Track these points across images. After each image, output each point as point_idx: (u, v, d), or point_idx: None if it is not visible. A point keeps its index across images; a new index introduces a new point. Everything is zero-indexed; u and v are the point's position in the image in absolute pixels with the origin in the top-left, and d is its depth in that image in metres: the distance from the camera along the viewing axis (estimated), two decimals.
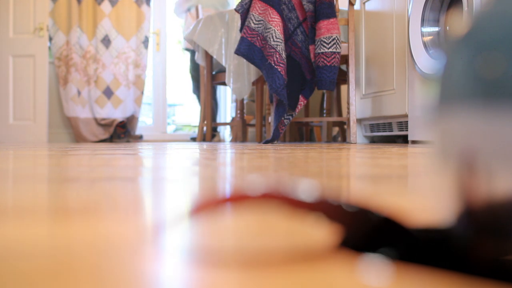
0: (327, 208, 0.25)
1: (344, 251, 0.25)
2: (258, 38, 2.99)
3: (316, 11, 3.01)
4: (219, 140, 4.75)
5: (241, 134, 3.76)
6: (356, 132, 3.12)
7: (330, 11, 2.98)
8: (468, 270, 0.22)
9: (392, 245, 0.24)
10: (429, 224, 0.26)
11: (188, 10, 4.50)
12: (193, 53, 4.54)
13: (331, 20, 2.98)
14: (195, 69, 4.55)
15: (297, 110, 3.04)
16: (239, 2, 3.06)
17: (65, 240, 0.29)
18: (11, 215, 0.37)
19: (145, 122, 5.32)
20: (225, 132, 5.17)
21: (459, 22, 0.23)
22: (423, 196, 0.48)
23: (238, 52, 2.98)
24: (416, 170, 0.83)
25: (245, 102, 4.29)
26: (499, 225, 0.21)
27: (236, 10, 3.07)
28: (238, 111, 3.76)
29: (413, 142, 2.86)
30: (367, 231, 0.24)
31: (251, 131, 4.93)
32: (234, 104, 4.30)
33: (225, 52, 3.49)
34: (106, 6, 4.89)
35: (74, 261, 0.24)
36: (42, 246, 0.27)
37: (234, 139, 3.89)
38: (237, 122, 3.77)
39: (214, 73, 3.80)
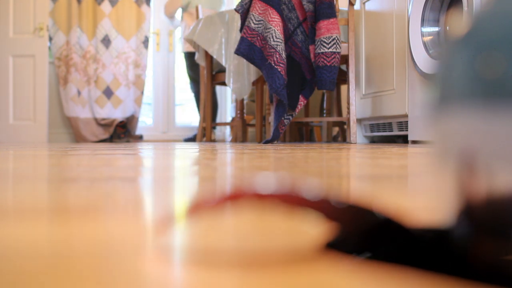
0: (326, 208, 0.25)
1: (341, 251, 0.25)
2: (258, 38, 2.99)
3: (316, 11, 3.01)
4: (215, 140, 4.76)
5: (241, 134, 3.76)
6: (356, 132, 3.12)
7: (330, 11, 2.98)
8: (467, 272, 0.22)
9: (391, 244, 0.24)
10: (429, 224, 0.26)
11: (184, 9, 4.50)
12: (188, 55, 4.55)
13: (331, 20, 2.98)
14: (192, 70, 4.56)
15: (297, 110, 3.04)
16: (239, 2, 3.06)
17: (65, 240, 0.29)
18: (11, 215, 0.37)
19: (145, 122, 5.32)
20: (225, 132, 5.17)
21: (459, 22, 0.23)
22: (422, 196, 0.48)
23: (238, 52, 2.98)
24: (416, 170, 0.83)
25: (245, 102, 4.29)
26: (499, 225, 0.21)
27: (236, 10, 3.07)
28: (238, 111, 3.76)
29: (413, 142, 2.87)
30: (365, 231, 0.24)
31: (251, 131, 4.93)
32: (234, 104, 4.30)
33: (225, 52, 3.49)
34: (106, 6, 4.89)
35: (74, 261, 0.24)
36: (42, 246, 0.27)
37: (234, 139, 3.89)
38: (237, 122, 3.77)
39: (214, 73, 3.81)
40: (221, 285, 0.20)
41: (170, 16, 4.59)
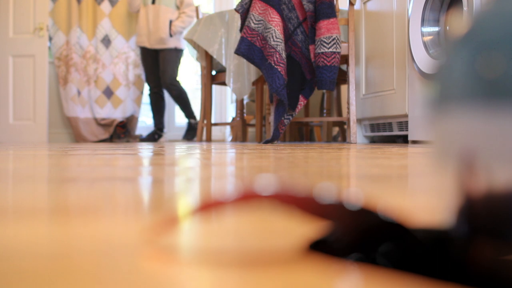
0: (323, 208, 0.25)
1: (335, 251, 0.25)
2: (258, 38, 2.98)
3: (316, 11, 3.01)
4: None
5: (241, 134, 3.76)
6: (356, 132, 3.12)
7: (330, 11, 2.98)
8: (466, 273, 0.22)
9: (389, 244, 0.24)
10: (428, 224, 0.26)
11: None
12: (144, 51, 4.52)
13: (331, 20, 2.98)
14: (147, 70, 4.53)
15: (297, 110, 3.04)
16: (239, 2, 3.06)
17: (65, 240, 0.29)
18: (11, 215, 0.37)
19: (145, 122, 5.31)
20: (225, 132, 5.17)
21: (459, 22, 0.23)
22: (422, 196, 0.48)
23: (238, 52, 2.98)
24: (416, 170, 0.83)
25: (245, 102, 4.29)
26: (498, 225, 0.21)
27: (236, 10, 3.07)
28: (238, 111, 3.76)
29: (413, 142, 2.86)
30: (364, 231, 0.24)
31: (251, 131, 4.93)
32: (234, 104, 4.30)
33: (225, 52, 3.49)
34: (106, 6, 4.89)
35: (74, 261, 0.24)
36: (42, 246, 0.27)
37: (234, 139, 3.89)
38: (237, 122, 3.77)
39: (215, 73, 3.80)
40: (216, 285, 0.20)
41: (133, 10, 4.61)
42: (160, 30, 4.37)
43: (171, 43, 4.40)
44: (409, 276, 0.22)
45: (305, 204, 0.25)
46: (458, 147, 0.22)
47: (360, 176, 0.71)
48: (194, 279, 0.21)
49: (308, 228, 0.32)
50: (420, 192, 0.52)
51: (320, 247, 0.25)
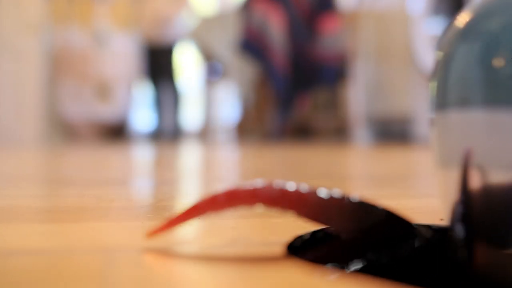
0: (325, 208, 0.24)
1: (338, 251, 0.25)
2: (258, 36, 2.99)
3: (317, 9, 3.01)
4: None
5: (241, 134, 3.77)
6: (357, 132, 3.12)
7: (331, 9, 2.98)
8: (465, 274, 0.21)
9: (393, 245, 0.23)
10: (428, 224, 0.25)
11: None
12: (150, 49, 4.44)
13: (333, 18, 2.98)
14: (153, 66, 4.45)
15: (297, 110, 3.05)
16: (241, 1, 3.07)
17: (65, 240, 0.29)
18: (11, 215, 0.37)
19: (143, 122, 5.31)
20: (225, 132, 5.18)
21: (459, 19, 0.23)
22: (422, 197, 0.48)
23: (238, 50, 2.98)
24: (416, 170, 0.83)
25: (245, 102, 4.29)
26: (497, 226, 0.21)
27: (236, 8, 3.07)
28: (238, 111, 3.77)
29: (415, 142, 2.87)
30: (365, 231, 0.24)
31: (251, 131, 4.93)
32: (234, 104, 4.30)
33: (225, 52, 3.50)
34: (103, 3, 4.89)
35: (73, 261, 0.24)
36: (42, 246, 0.27)
37: (234, 139, 3.90)
38: (237, 122, 3.77)
39: (215, 72, 3.81)
40: (214, 285, 0.20)
41: None
42: (152, 23, 4.32)
43: (161, 37, 4.31)
44: (396, 283, 0.21)
45: (305, 204, 0.25)
46: (458, 147, 0.21)
47: (361, 176, 0.71)
48: (192, 278, 0.21)
49: (307, 229, 0.32)
50: (420, 193, 0.51)
51: (317, 248, 0.25)
